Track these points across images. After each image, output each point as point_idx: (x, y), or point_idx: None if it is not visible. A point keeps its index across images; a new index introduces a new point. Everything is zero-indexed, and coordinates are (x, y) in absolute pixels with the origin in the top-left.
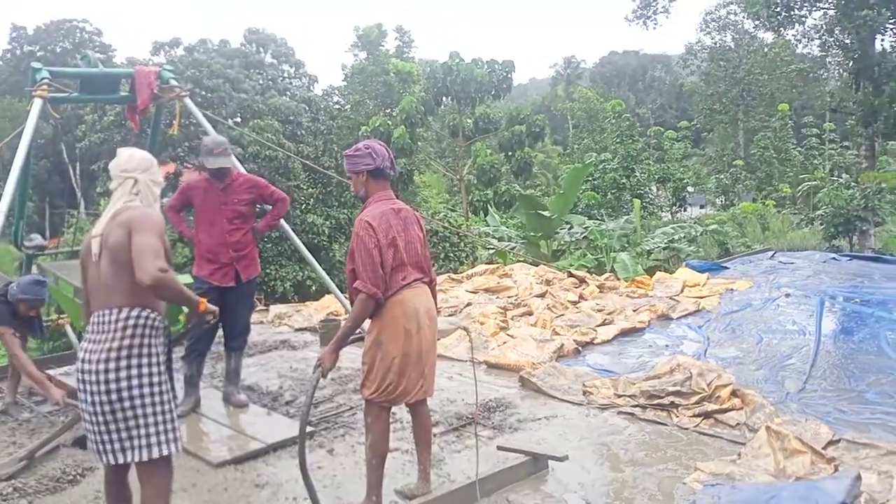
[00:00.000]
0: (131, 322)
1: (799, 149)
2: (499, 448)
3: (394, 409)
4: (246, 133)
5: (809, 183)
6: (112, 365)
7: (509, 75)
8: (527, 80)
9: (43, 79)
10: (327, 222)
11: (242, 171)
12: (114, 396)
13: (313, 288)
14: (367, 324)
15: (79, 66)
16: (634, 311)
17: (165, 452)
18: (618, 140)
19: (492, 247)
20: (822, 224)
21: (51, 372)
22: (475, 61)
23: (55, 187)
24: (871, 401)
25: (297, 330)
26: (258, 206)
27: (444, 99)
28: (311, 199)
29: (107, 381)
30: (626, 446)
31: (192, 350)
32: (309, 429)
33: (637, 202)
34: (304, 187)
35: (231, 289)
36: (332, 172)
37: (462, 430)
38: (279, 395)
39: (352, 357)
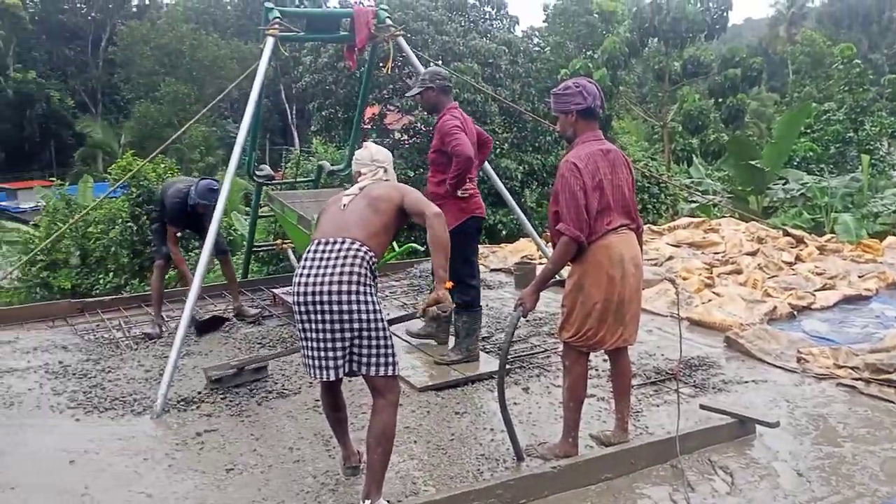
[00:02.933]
0: (360, 254)
1: None
2: (701, 407)
3: (592, 356)
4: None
5: None
6: (345, 287)
7: (725, 14)
8: (741, 21)
9: (275, 18)
10: (520, 167)
11: (456, 111)
12: (352, 317)
13: (504, 232)
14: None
15: (305, 6)
16: (860, 276)
17: (393, 372)
18: (845, 88)
19: (695, 200)
20: None
21: (276, 291)
22: None
23: (274, 125)
24: None
25: (491, 270)
26: None
27: (649, 40)
28: (506, 144)
29: (340, 302)
30: (845, 420)
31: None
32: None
33: (866, 158)
34: (500, 132)
35: None
36: (530, 114)
37: (661, 385)
38: None
39: (546, 301)
